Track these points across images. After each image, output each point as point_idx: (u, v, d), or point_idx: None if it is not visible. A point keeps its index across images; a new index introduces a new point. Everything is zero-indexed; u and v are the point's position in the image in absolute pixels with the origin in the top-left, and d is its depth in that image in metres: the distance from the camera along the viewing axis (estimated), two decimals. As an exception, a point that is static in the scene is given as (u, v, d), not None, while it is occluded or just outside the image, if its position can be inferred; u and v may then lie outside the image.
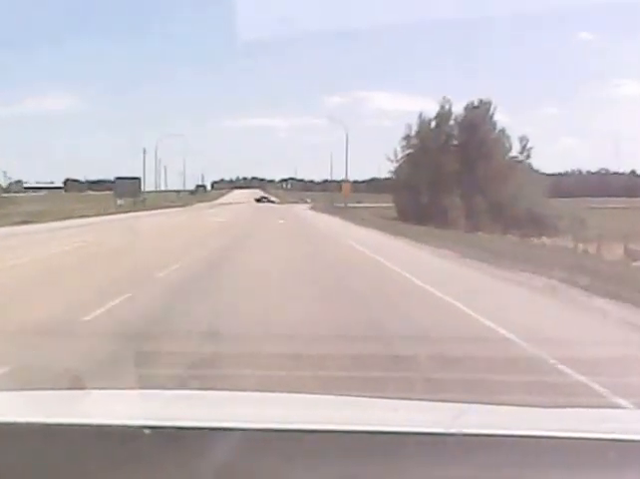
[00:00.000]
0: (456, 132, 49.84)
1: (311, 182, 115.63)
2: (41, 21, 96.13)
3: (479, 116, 49.04)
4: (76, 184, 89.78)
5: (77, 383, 3.60)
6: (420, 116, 50.51)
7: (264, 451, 1.42)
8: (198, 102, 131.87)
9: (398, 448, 1.42)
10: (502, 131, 49.56)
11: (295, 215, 48.69)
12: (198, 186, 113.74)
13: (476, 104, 49.57)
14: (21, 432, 1.49)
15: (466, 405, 1.90)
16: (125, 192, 62.64)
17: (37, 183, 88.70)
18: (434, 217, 40.82)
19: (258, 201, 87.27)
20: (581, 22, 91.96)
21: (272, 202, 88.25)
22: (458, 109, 50.28)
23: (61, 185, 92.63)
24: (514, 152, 48.42)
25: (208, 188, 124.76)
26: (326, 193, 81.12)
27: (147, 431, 1.43)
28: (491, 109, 49.71)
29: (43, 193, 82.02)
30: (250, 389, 4.11)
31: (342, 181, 63.97)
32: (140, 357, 5.85)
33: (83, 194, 75.54)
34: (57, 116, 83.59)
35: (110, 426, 1.52)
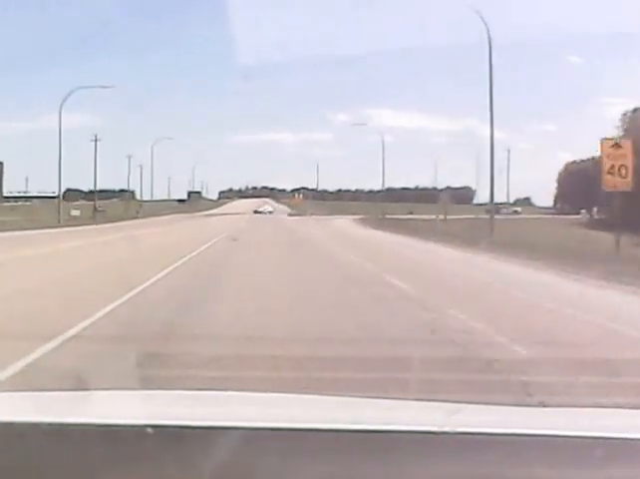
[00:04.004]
0: None
1: (324, 191, 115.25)
2: (51, 44, 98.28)
3: None
4: (76, 193, 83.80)
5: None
6: None
7: (264, 450, 1.46)
8: (208, 121, 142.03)
9: (394, 446, 1.46)
10: None
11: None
12: (191, 192, 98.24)
13: None
14: (26, 432, 1.51)
15: (459, 405, 1.96)
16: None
17: (38, 192, 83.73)
18: None
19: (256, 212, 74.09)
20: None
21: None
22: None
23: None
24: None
25: (215, 196, 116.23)
26: (361, 203, 74.05)
27: (149, 430, 1.46)
28: None
29: (29, 202, 79.24)
30: None
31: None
32: None
33: (68, 203, 69.01)
34: (73, 132, 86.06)
35: (113, 426, 1.54)
